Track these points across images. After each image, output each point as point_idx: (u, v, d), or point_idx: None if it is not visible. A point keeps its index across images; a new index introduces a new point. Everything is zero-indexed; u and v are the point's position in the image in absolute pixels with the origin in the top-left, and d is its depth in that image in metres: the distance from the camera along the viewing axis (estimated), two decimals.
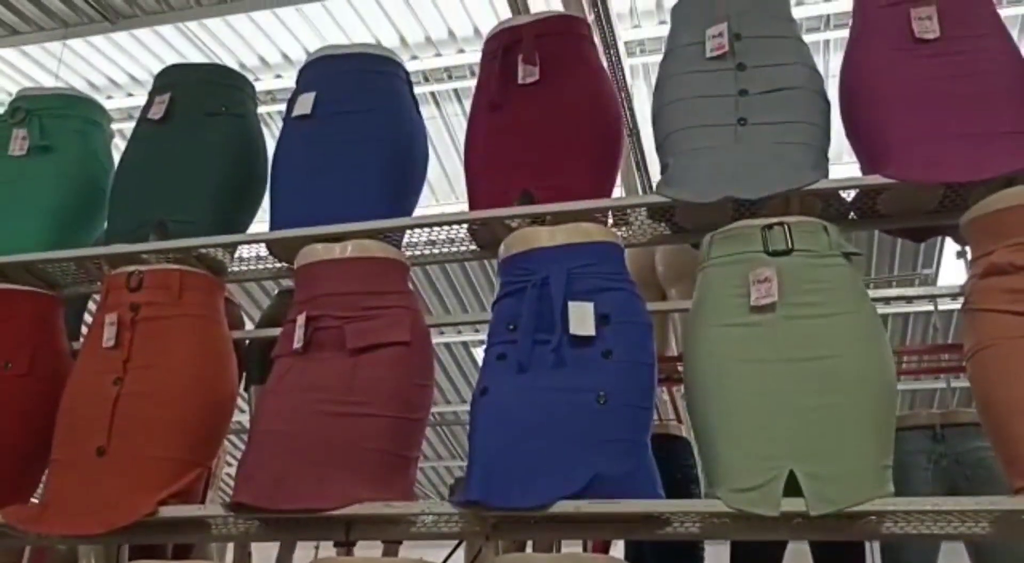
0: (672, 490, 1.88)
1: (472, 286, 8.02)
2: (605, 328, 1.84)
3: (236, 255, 2.34)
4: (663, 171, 2.05)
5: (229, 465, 5.51)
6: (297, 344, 1.99)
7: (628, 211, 2.12)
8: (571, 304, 1.85)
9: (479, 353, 8.80)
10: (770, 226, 1.83)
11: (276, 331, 2.61)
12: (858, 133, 2.01)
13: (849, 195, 2.02)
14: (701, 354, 1.82)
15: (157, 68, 2.51)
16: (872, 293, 2.01)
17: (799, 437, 1.67)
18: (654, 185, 2.61)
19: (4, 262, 2.31)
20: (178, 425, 2.01)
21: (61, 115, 2.48)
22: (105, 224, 2.45)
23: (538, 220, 2.05)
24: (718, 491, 1.70)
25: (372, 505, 1.83)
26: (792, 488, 1.63)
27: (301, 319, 2.01)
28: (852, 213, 2.08)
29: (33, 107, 2.48)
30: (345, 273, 2.03)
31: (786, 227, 1.83)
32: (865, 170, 1.96)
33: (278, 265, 2.37)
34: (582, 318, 1.84)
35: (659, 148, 2.09)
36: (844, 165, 2.97)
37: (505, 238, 2.01)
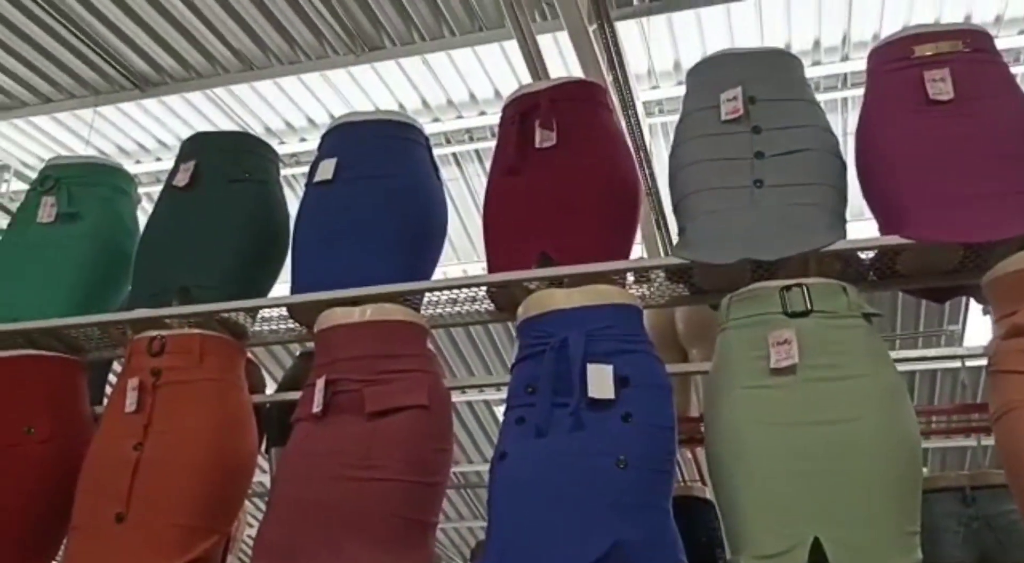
0: (697, 553, 1.86)
1: (495, 347, 8.02)
2: (624, 391, 1.83)
3: (258, 318, 2.36)
4: (680, 233, 2.05)
5: (250, 527, 5.49)
6: (316, 408, 1.99)
7: (646, 272, 2.12)
8: (590, 367, 1.84)
9: (501, 412, 8.76)
10: (788, 287, 1.83)
11: (296, 394, 2.63)
12: (874, 195, 2.01)
13: (868, 256, 2.02)
14: (721, 417, 1.80)
15: (185, 133, 2.57)
16: (896, 354, 1.99)
17: (822, 503, 1.64)
18: (675, 244, 2.63)
19: (30, 328, 2.33)
20: (196, 492, 2.01)
21: (88, 183, 2.53)
22: (129, 289, 2.49)
23: (556, 282, 2.06)
24: (741, 558, 1.67)
25: None
26: (816, 555, 1.60)
27: (320, 383, 2.01)
28: (871, 274, 2.07)
29: (61, 176, 2.54)
30: (364, 336, 2.04)
31: (804, 289, 1.82)
32: (883, 230, 1.96)
33: (300, 328, 2.38)
34: (601, 381, 1.83)
35: (676, 211, 2.10)
36: (866, 221, 2.96)
37: (523, 300, 2.02)
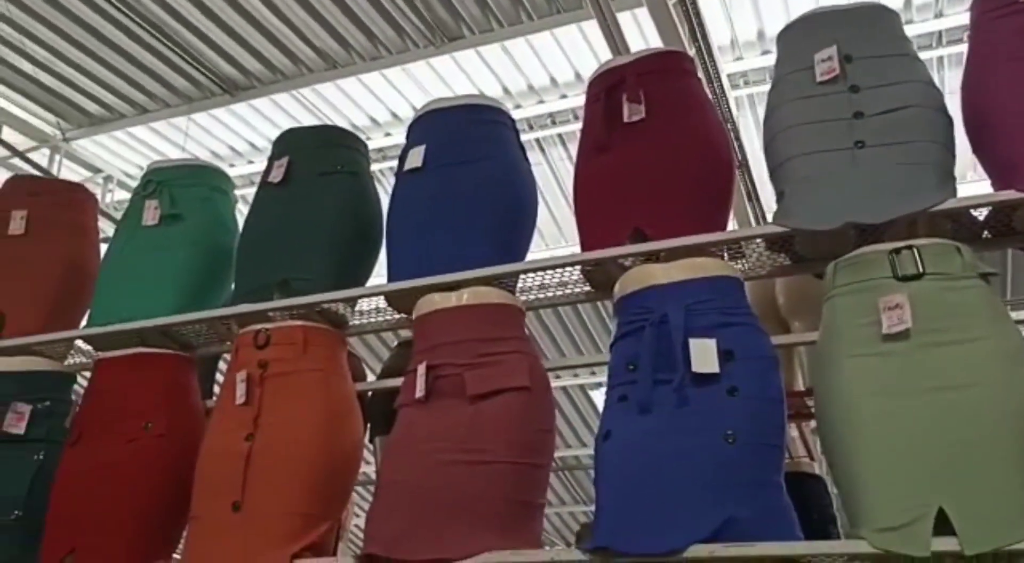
0: (809, 532, 1.79)
1: (586, 328, 7.98)
2: (729, 365, 1.78)
3: (356, 309, 2.38)
4: (779, 200, 1.99)
5: (357, 516, 5.58)
6: (419, 393, 2.00)
7: (744, 243, 2.06)
8: (692, 341, 1.80)
9: (596, 396, 8.73)
10: (898, 250, 1.75)
11: (397, 382, 2.65)
12: (986, 149, 1.91)
13: (981, 214, 1.92)
14: (833, 387, 1.74)
15: (274, 134, 2.61)
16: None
17: (944, 472, 1.57)
18: (767, 216, 2.55)
19: (142, 327, 2.41)
20: (307, 480, 2.05)
21: (188, 184, 2.60)
22: (233, 286, 2.54)
23: (652, 258, 2.02)
24: (861, 531, 1.61)
25: (499, 554, 1.81)
26: (941, 526, 1.53)
27: (422, 368, 2.02)
28: (985, 232, 1.97)
29: (162, 179, 2.60)
30: (462, 321, 2.04)
31: (915, 250, 1.74)
32: (997, 186, 1.86)
33: (397, 316, 2.40)
34: (704, 355, 1.79)
35: (773, 177, 2.03)
36: (969, 184, 2.83)
37: (619, 278, 1.98)
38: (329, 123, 6.13)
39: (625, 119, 2.12)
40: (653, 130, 2.10)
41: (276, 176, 2.44)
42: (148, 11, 5.45)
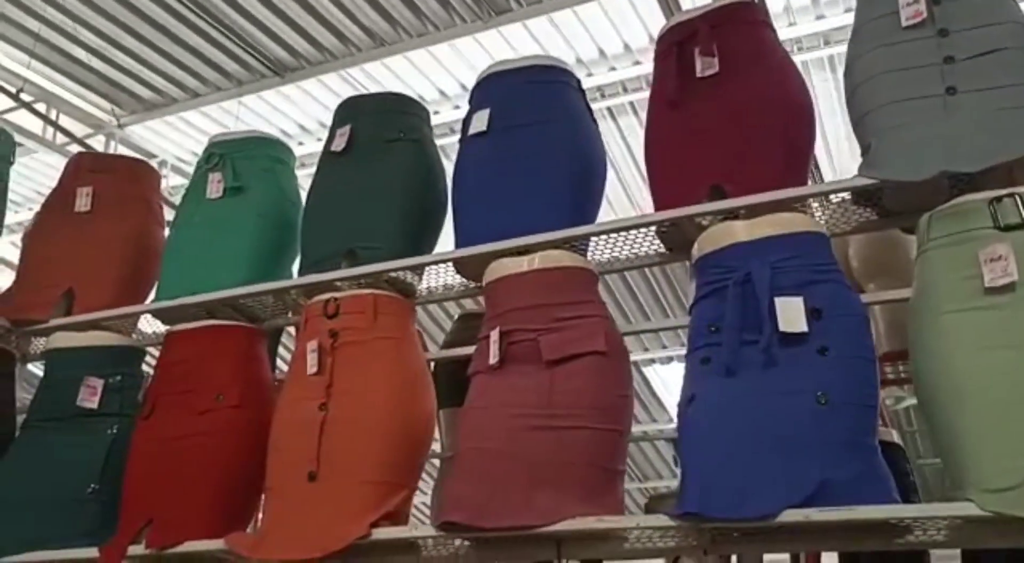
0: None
1: (655, 294, 7.78)
2: (818, 323, 1.69)
3: (424, 277, 2.32)
4: (864, 152, 1.88)
5: (423, 493, 5.53)
6: (493, 360, 1.94)
7: (827, 199, 1.96)
8: (778, 300, 1.71)
9: (648, 372, 8.60)
10: (999, 198, 1.64)
11: (460, 351, 2.60)
12: None
13: None
14: (933, 344, 1.64)
15: (324, 116, 2.56)
16: None
17: None
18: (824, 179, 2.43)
19: (210, 300, 2.37)
20: (382, 449, 2.00)
21: (250, 156, 2.55)
22: (298, 258, 2.50)
23: (731, 216, 1.93)
24: (968, 493, 1.52)
25: (583, 520, 1.74)
26: None
27: (494, 334, 1.96)
28: None
29: (224, 151, 2.56)
30: (535, 285, 1.97)
31: (1018, 198, 1.63)
32: None
33: (465, 285, 2.33)
34: (792, 314, 1.70)
35: (858, 131, 1.92)
36: None
37: (698, 237, 1.90)
38: None
39: (698, 74, 2.03)
40: (728, 83, 2.00)
41: (339, 145, 2.39)
42: None
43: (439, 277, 2.34)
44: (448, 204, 2.33)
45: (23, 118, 6.15)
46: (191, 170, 2.64)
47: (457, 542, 1.91)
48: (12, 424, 2.46)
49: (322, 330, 2.13)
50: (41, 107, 6.32)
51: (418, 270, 2.28)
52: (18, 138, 3.78)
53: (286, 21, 5.60)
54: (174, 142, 6.87)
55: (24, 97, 5.93)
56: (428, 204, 2.34)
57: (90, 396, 2.34)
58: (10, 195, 2.63)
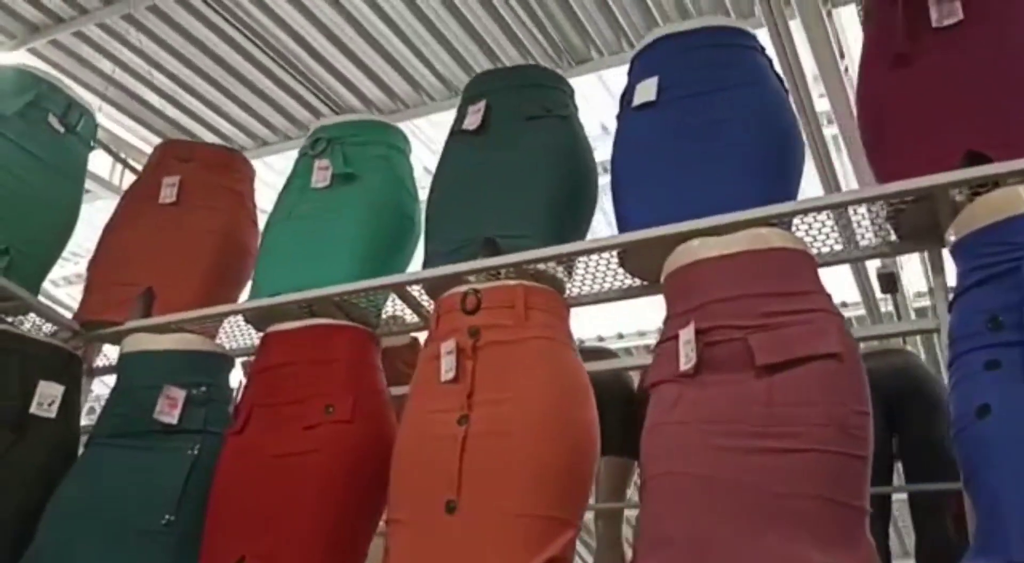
0: None
1: None
2: None
3: (575, 270, 1.87)
4: None
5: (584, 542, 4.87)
6: (685, 365, 1.46)
7: None
8: None
9: None
10: None
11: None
12: None
13: None
14: None
15: None
16: None
17: None
18: None
19: (315, 296, 1.93)
20: (544, 473, 1.51)
21: (364, 142, 2.15)
22: (409, 258, 2.08)
23: (991, 185, 1.47)
24: None
25: None
26: None
27: (687, 334, 1.49)
28: None
29: (333, 136, 2.16)
30: (740, 271, 1.51)
31: None
32: None
33: (626, 283, 1.87)
34: None
35: None
36: None
37: (948, 216, 1.44)
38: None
39: (934, 23, 1.60)
40: (976, 33, 1.57)
41: (472, 122, 1.97)
42: (277, 40, 5.12)
43: (591, 274, 1.88)
44: (596, 187, 1.91)
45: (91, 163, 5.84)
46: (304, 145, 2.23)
47: None
48: (75, 440, 2.00)
49: (460, 328, 1.67)
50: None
51: (568, 263, 1.83)
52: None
53: (360, 67, 5.28)
54: None
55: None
56: (580, 189, 1.92)
57: (169, 409, 1.88)
58: (71, 246, 2.22)
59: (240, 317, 2.13)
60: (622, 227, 1.73)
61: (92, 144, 2.28)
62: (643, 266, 1.77)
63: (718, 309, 1.49)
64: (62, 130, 2.17)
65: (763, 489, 1.32)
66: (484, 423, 1.56)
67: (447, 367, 1.63)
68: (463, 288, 1.72)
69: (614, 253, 1.77)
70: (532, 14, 4.60)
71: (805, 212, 1.63)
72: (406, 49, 5.12)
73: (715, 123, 1.71)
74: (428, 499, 1.53)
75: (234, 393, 1.98)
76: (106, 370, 2.29)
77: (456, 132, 2.02)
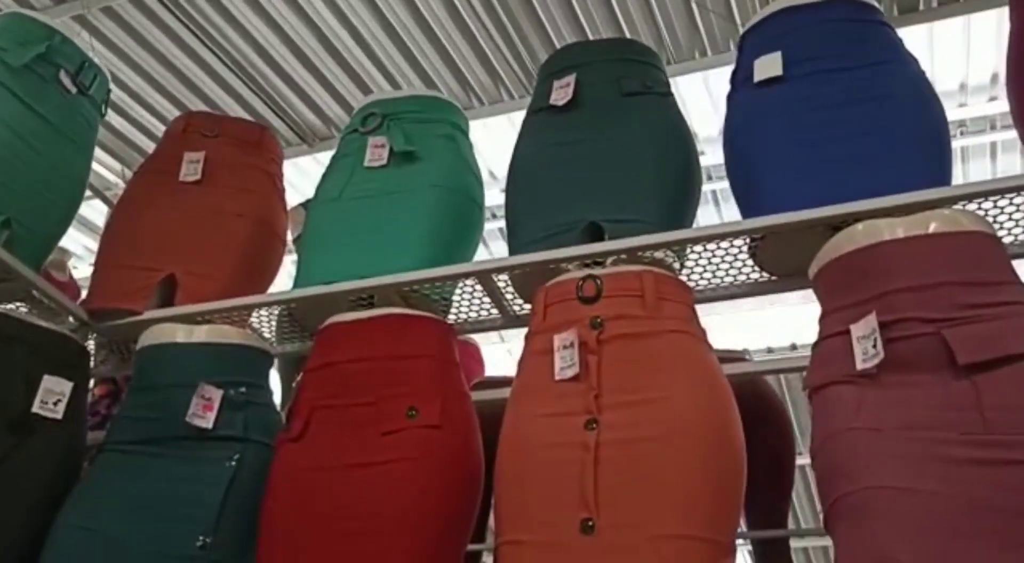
0: None
1: None
2: None
3: (686, 259, 1.63)
4: None
5: None
6: (865, 363, 1.24)
7: None
8: None
9: None
10: None
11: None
12: None
13: None
14: None
15: None
16: None
17: None
18: None
19: (382, 284, 1.64)
20: (696, 486, 1.25)
21: (425, 120, 1.89)
22: (475, 247, 1.81)
23: None
24: None
25: None
26: None
27: (863, 327, 1.26)
28: None
29: (390, 112, 1.89)
30: (930, 256, 1.29)
31: None
32: None
33: (754, 276, 1.65)
34: None
35: None
36: None
37: None
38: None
39: None
40: None
41: (560, 98, 1.74)
42: (237, 50, 4.75)
43: (702, 266, 1.65)
44: (698, 169, 1.71)
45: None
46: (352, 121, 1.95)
47: None
48: (82, 447, 1.64)
49: (578, 318, 1.41)
50: None
51: (682, 252, 1.60)
52: None
53: (325, 86, 4.94)
54: None
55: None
56: (692, 172, 1.70)
57: (204, 411, 1.55)
58: None
59: (271, 311, 1.82)
60: (755, 211, 1.51)
61: (104, 110, 1.95)
62: (780, 256, 1.55)
63: (904, 299, 1.26)
64: (74, 90, 1.83)
65: (998, 506, 1.09)
66: (619, 429, 1.30)
67: (566, 362, 1.37)
68: (578, 273, 1.46)
69: (738, 243, 1.54)
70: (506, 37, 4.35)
71: (1002, 193, 1.41)
72: (372, 66, 4.79)
73: (858, 101, 1.51)
74: (558, 517, 1.25)
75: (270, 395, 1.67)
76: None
77: (539, 109, 1.78)
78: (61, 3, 4.38)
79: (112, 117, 5.21)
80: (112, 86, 4.50)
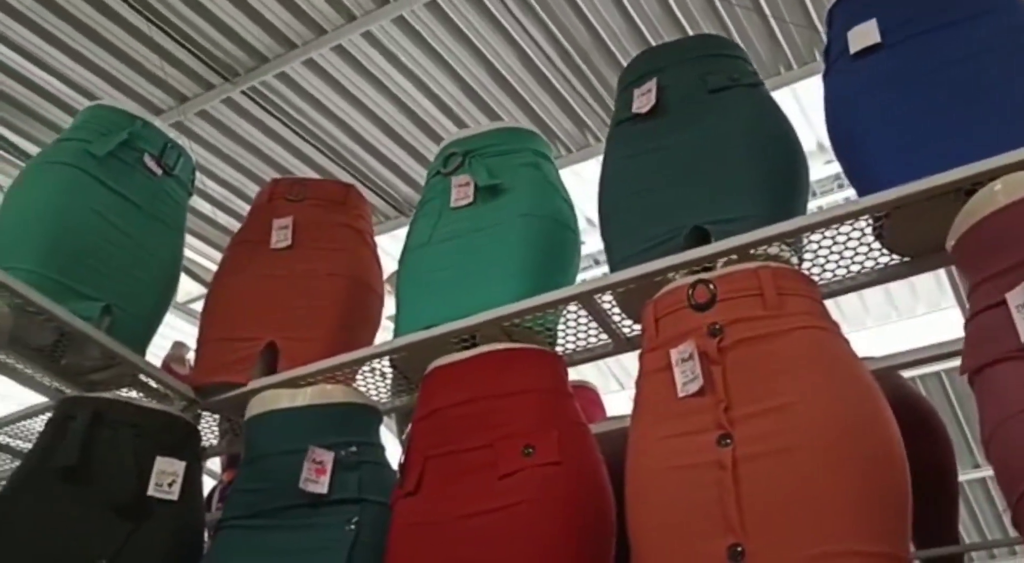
0: None
1: None
2: None
3: (803, 254, 1.49)
4: None
5: None
6: None
7: None
8: None
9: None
10: None
11: None
12: None
13: None
14: None
15: None
16: None
17: None
18: None
19: (479, 322, 1.57)
20: (858, 493, 1.10)
21: (506, 151, 1.82)
22: (575, 273, 1.72)
23: None
24: None
25: None
26: None
27: (1022, 294, 1.10)
28: None
29: (470, 149, 1.84)
30: None
31: None
32: None
33: (878, 261, 1.49)
34: None
35: None
36: None
37: None
38: None
39: None
40: None
41: (643, 105, 1.64)
42: (326, 133, 4.74)
43: (823, 257, 1.50)
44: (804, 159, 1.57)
45: None
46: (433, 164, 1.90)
47: None
48: (201, 526, 1.61)
49: (694, 327, 1.28)
50: None
51: (798, 244, 1.46)
52: None
53: (411, 153, 4.94)
54: None
55: None
56: (791, 158, 1.57)
57: (317, 475, 1.49)
58: None
59: (380, 365, 1.76)
60: (872, 186, 1.36)
61: (191, 189, 1.97)
62: (910, 234, 1.39)
63: None
64: (159, 172, 1.86)
65: None
66: (757, 441, 1.16)
67: (687, 376, 1.24)
68: (687, 280, 1.34)
69: (860, 226, 1.39)
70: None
71: None
72: (456, 129, 4.71)
73: (979, 53, 1.37)
74: (701, 546, 1.12)
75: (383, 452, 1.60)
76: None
77: (622, 121, 1.69)
78: (158, 114, 4.48)
79: (217, 214, 5.36)
80: (212, 183, 4.54)
